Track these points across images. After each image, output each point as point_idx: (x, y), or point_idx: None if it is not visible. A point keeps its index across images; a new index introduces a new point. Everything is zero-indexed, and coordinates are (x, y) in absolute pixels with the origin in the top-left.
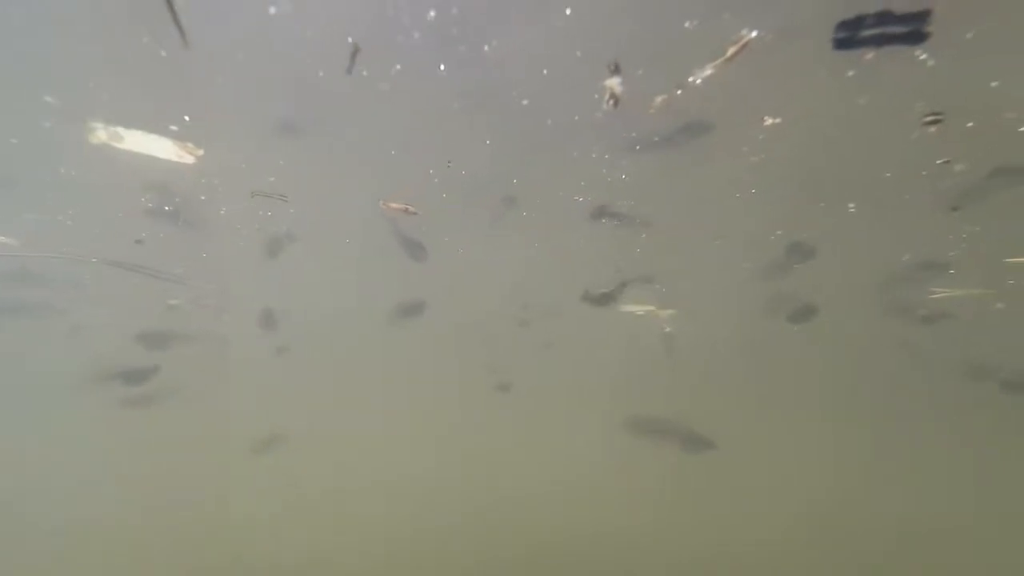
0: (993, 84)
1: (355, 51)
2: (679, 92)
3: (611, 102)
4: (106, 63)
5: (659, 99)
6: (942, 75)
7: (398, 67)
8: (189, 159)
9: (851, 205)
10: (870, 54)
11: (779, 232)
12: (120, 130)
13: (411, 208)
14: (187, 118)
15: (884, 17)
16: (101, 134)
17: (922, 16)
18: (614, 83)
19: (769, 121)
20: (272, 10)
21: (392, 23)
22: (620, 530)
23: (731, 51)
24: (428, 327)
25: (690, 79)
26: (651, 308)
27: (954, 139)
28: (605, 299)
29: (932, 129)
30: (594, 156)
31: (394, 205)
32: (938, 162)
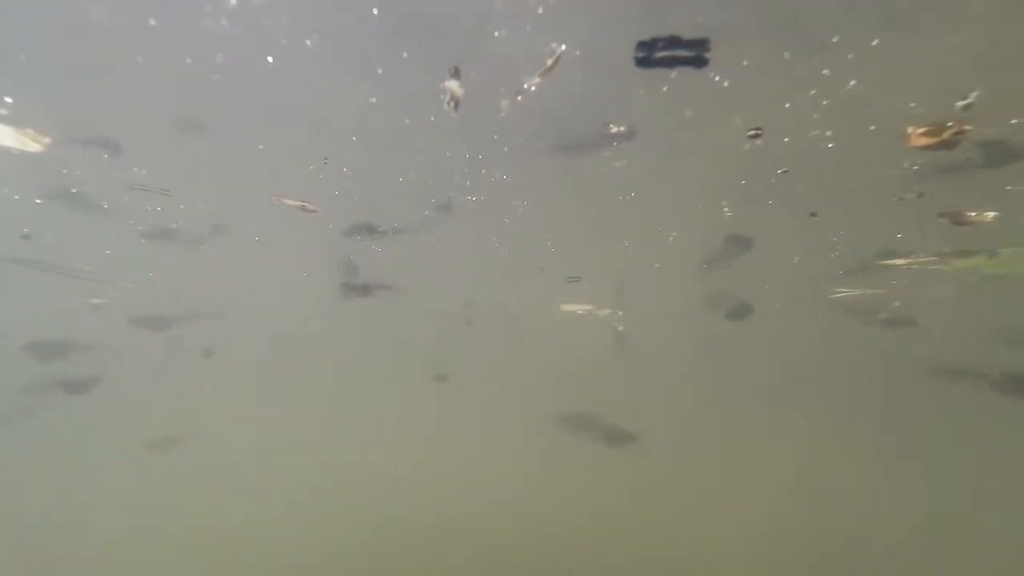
0: (787, 105)
1: None
2: (519, 98)
3: (452, 103)
4: None
5: (504, 103)
6: (739, 95)
7: (220, 57)
8: (35, 147)
9: (726, 208)
10: (674, 73)
11: (675, 234)
12: None
13: (308, 206)
14: (9, 100)
15: (673, 41)
16: None
17: (703, 43)
18: (454, 85)
19: (614, 129)
20: None
21: (195, 7)
22: (544, 520)
23: (549, 62)
24: (366, 325)
25: (525, 86)
26: (590, 307)
27: (782, 151)
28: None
29: (758, 142)
30: (467, 156)
31: (289, 201)
32: (779, 171)
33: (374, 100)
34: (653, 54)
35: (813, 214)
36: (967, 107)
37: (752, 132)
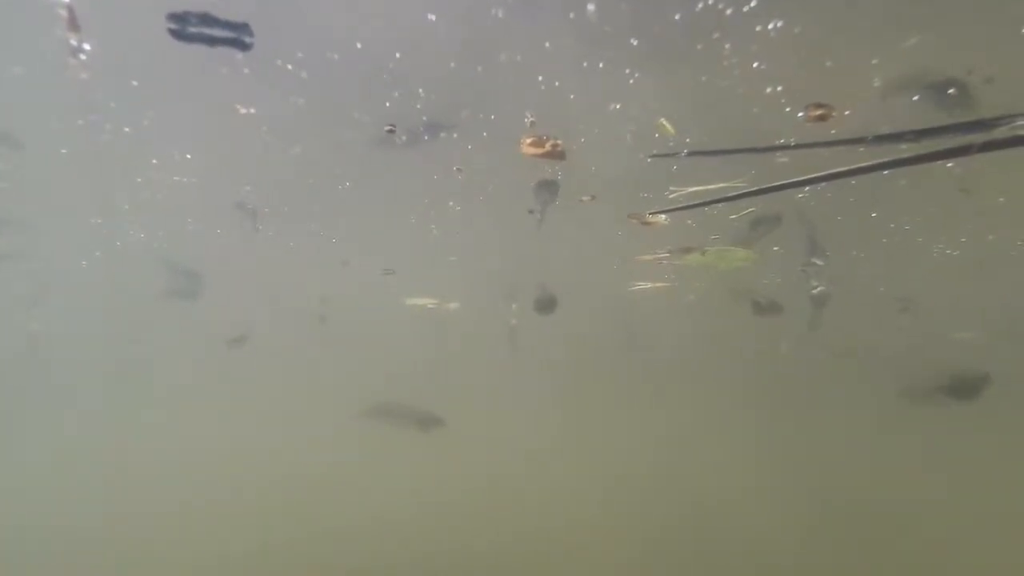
0: (386, 104)
1: None
2: (82, 57)
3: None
4: None
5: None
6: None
7: None
8: None
9: (451, 204)
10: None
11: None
12: None
13: None
14: None
15: (207, 19)
16: None
17: (243, 27)
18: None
19: (242, 111)
20: None
21: None
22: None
23: (64, 14)
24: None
25: (73, 43)
26: (435, 301)
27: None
28: None
29: (403, 137)
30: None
31: None
32: (453, 168)
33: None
34: (186, 28)
35: (531, 211)
36: (532, 124)
37: (388, 128)
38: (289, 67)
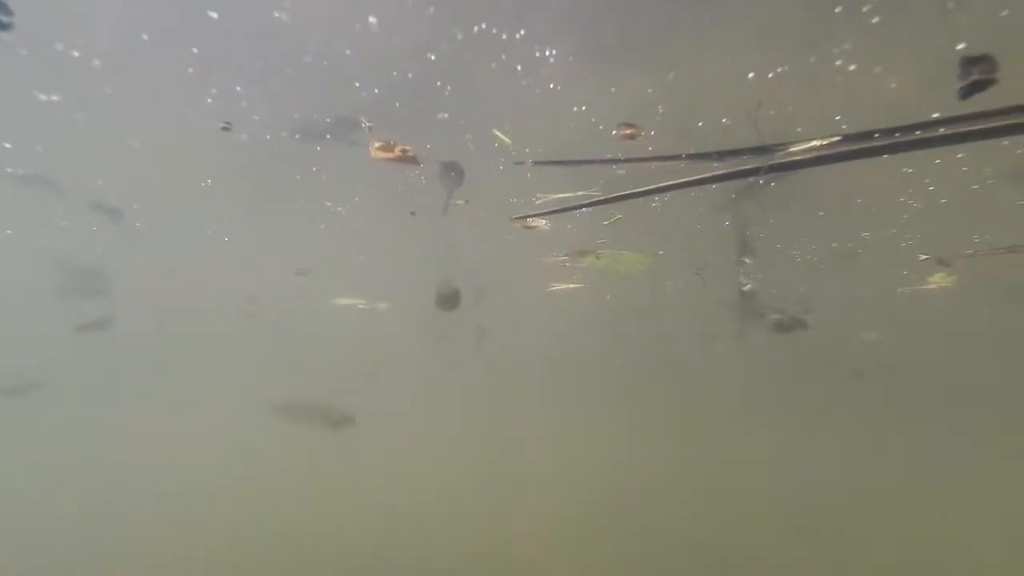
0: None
1: None
2: None
3: None
4: None
5: None
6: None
7: None
8: None
9: (328, 204)
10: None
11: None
12: None
13: None
14: None
15: None
16: None
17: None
18: None
19: (43, 97)
20: None
21: None
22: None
23: None
24: None
25: None
26: (364, 302)
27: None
28: None
29: (243, 135)
30: None
31: None
32: (314, 169)
33: None
34: None
35: (413, 213)
36: (369, 128)
37: (223, 125)
38: (75, 54)
